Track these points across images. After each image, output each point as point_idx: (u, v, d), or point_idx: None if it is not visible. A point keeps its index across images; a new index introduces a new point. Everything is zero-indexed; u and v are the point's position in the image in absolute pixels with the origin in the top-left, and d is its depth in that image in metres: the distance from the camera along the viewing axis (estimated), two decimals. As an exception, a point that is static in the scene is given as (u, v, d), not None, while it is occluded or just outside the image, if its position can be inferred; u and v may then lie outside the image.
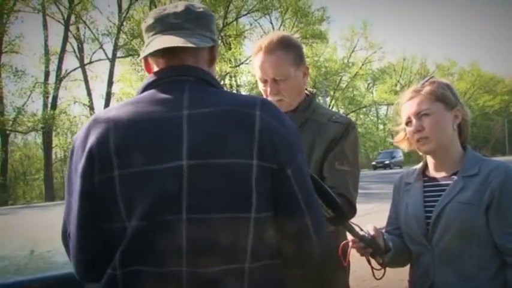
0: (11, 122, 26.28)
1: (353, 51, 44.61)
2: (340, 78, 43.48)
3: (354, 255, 1.67)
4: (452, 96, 1.71)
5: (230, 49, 31.81)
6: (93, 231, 1.14)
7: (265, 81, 1.82)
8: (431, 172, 1.75)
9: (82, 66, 29.60)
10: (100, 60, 30.85)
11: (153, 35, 1.24)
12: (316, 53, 38.57)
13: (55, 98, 27.80)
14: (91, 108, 29.47)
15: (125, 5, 29.84)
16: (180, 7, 1.24)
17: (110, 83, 29.58)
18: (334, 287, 1.82)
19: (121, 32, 28.90)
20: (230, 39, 33.57)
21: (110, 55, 29.81)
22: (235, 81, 35.32)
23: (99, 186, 1.11)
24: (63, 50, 28.32)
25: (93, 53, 30.17)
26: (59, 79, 27.72)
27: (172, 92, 1.17)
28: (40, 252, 2.76)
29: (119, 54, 30.13)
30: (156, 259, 1.08)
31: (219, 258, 1.09)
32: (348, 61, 44.08)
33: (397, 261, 1.78)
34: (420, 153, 1.77)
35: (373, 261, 1.69)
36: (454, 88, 1.76)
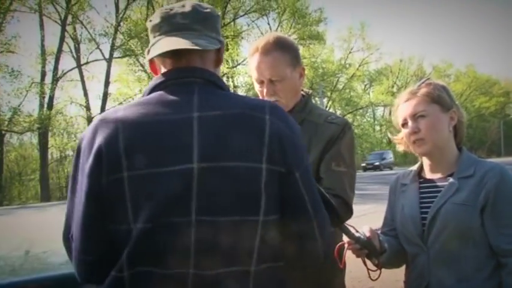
0: (6, 122, 26.19)
1: (350, 52, 44.71)
2: (337, 80, 43.55)
3: (349, 256, 1.68)
4: (448, 98, 1.72)
5: (227, 50, 31.79)
6: (98, 232, 1.13)
7: (261, 82, 1.82)
8: (427, 173, 1.76)
9: (79, 66, 29.54)
10: (97, 60, 30.70)
11: (159, 35, 1.22)
12: (313, 54, 38.64)
13: (51, 98, 27.73)
14: (87, 108, 29.39)
15: (122, 5, 29.83)
16: (187, 7, 1.23)
17: (107, 83, 29.53)
18: (330, 287, 1.83)
19: (118, 32, 28.86)
20: (227, 40, 33.57)
21: (106, 55, 29.77)
22: (232, 82, 35.30)
23: (107, 186, 1.10)
24: (59, 50, 28.25)
25: (90, 53, 30.14)
26: (56, 79, 27.63)
27: (181, 94, 1.17)
28: (35, 253, 2.76)
29: (115, 54, 30.09)
30: (164, 261, 1.08)
31: (226, 261, 1.09)
32: (345, 62, 44.17)
33: (393, 262, 1.79)
34: (416, 155, 1.78)
35: (368, 262, 1.69)
36: (450, 90, 1.77)
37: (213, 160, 1.09)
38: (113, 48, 29.26)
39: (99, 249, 1.14)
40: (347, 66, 44.09)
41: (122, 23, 29.04)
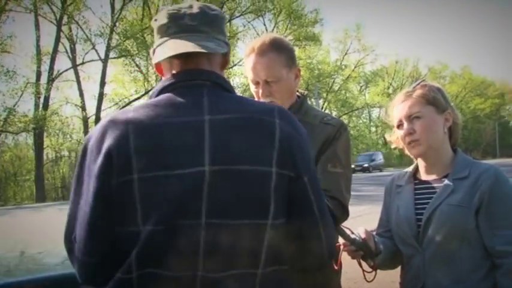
0: (1, 123, 26.04)
1: (346, 53, 44.75)
2: (333, 81, 43.58)
3: (345, 258, 1.68)
4: (443, 99, 1.73)
5: (223, 51, 31.66)
6: (104, 234, 1.12)
7: (257, 83, 1.82)
8: (422, 175, 1.76)
9: (74, 66, 29.42)
10: (92, 60, 30.50)
11: (167, 35, 1.21)
12: (309, 55, 38.68)
13: (47, 99, 27.59)
14: (83, 109, 29.27)
15: (117, 6, 29.70)
16: (195, 8, 1.22)
17: (103, 83, 29.40)
18: (326, 288, 1.83)
19: (114, 32, 28.76)
20: (223, 40, 33.46)
21: (102, 56, 29.66)
22: (228, 82, 35.21)
23: (116, 188, 1.09)
24: (55, 51, 28.12)
25: (86, 54, 29.96)
26: (51, 79, 27.50)
27: (191, 96, 1.17)
28: (31, 253, 2.75)
29: (111, 55, 29.96)
30: (172, 263, 1.08)
31: (234, 263, 1.09)
32: (340, 63, 44.20)
33: (388, 264, 1.79)
34: (411, 156, 1.78)
35: (364, 263, 1.69)
36: (445, 92, 1.78)
37: (225, 163, 1.09)
38: (108, 49, 29.15)
39: (104, 250, 1.13)
40: (343, 67, 44.13)
41: (117, 24, 28.92)
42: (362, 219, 5.84)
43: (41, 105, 27.26)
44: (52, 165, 29.80)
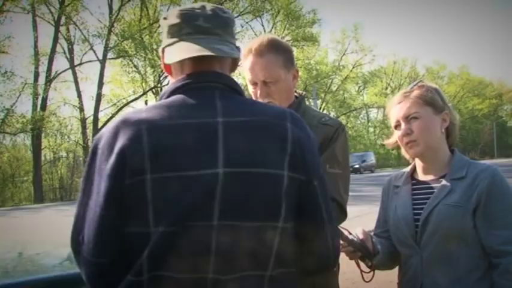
0: (-1, 123, 26.05)
1: (344, 54, 44.81)
2: (331, 81, 43.63)
3: (343, 258, 1.68)
4: (441, 100, 1.73)
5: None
6: (113, 235, 1.11)
7: (255, 84, 1.82)
8: (420, 175, 1.77)
9: (72, 67, 29.39)
10: (90, 61, 30.49)
11: (179, 35, 1.20)
12: (307, 56, 38.70)
13: (45, 99, 27.56)
14: (81, 109, 29.24)
15: (115, 6, 29.71)
16: (208, 10, 1.21)
17: (100, 84, 29.37)
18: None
19: (112, 33, 28.74)
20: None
21: (100, 56, 29.64)
22: (227, 83, 35.20)
23: (128, 188, 1.08)
24: (53, 51, 28.10)
25: (84, 54, 29.96)
26: (49, 80, 27.48)
27: (203, 98, 1.16)
28: (29, 254, 2.74)
29: (109, 55, 29.95)
30: (183, 264, 1.07)
31: (244, 265, 1.10)
32: (338, 64, 44.25)
33: (386, 264, 1.79)
34: (408, 157, 1.79)
35: (362, 264, 1.70)
36: (442, 92, 1.78)
37: (238, 166, 1.10)
38: (106, 49, 29.14)
39: (113, 251, 1.12)
40: (341, 68, 44.17)
41: (115, 24, 28.92)
42: (360, 219, 5.85)
43: (38, 106, 27.24)
44: (50, 166, 29.76)
